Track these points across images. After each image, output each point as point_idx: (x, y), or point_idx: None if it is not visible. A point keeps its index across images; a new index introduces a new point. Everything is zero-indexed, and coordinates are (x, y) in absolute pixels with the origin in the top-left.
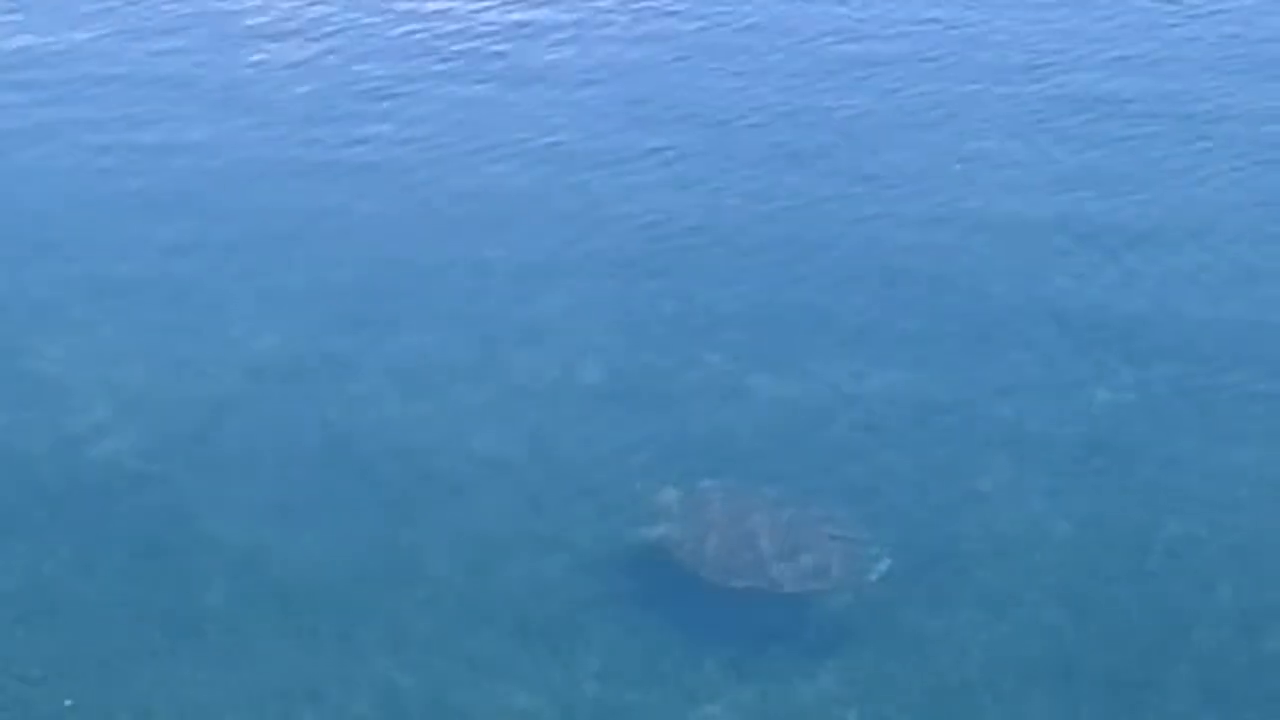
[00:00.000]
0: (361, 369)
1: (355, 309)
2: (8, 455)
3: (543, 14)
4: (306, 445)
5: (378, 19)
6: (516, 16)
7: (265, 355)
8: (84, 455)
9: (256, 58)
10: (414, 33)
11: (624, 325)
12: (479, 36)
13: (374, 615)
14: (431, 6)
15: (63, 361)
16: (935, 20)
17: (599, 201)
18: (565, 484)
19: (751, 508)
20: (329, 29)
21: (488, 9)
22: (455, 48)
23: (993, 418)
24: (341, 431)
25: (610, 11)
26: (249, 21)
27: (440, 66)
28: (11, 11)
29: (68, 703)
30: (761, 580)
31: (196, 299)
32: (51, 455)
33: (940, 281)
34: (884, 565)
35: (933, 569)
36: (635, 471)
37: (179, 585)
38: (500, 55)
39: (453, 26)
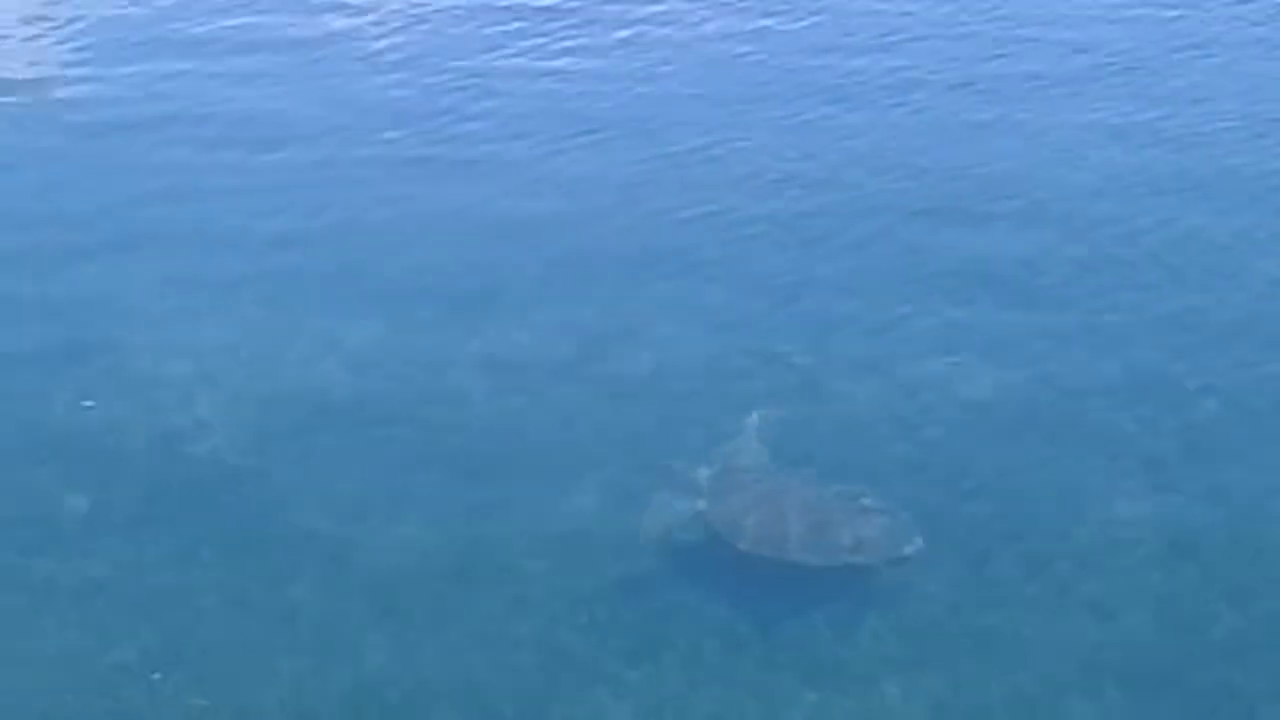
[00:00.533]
0: (458, 364)
1: (455, 304)
2: (108, 449)
3: None
4: (400, 440)
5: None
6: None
7: (363, 350)
8: (182, 449)
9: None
10: (510, 22)
11: (717, 323)
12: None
13: (463, 610)
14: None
15: (163, 356)
16: None
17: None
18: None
19: (788, 488)
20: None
21: None
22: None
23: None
24: (435, 426)
25: None
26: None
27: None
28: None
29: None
30: (802, 554)
31: (296, 294)
32: (150, 449)
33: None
34: (918, 542)
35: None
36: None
37: (272, 577)
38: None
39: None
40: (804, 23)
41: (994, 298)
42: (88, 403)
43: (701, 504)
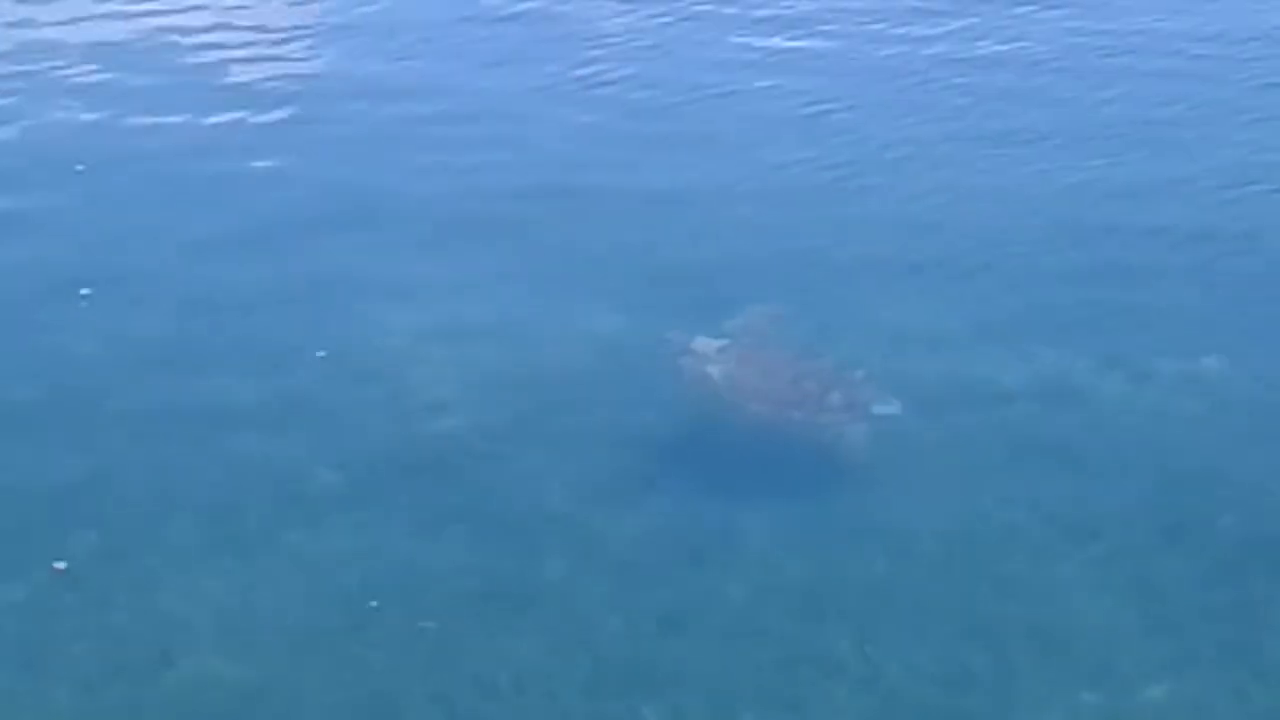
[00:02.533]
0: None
1: (700, 289)
2: (354, 429)
3: None
4: (643, 423)
5: None
6: None
7: (608, 335)
8: (427, 430)
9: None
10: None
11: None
12: None
13: (701, 597)
14: None
15: (408, 337)
16: None
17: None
18: None
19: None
20: None
21: None
22: None
23: None
24: (678, 410)
25: None
26: None
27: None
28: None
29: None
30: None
31: (536, 279)
32: (395, 430)
33: None
34: (895, 405)
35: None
36: None
37: (516, 560)
38: None
39: None
40: None
41: None
42: (321, 353)
43: None
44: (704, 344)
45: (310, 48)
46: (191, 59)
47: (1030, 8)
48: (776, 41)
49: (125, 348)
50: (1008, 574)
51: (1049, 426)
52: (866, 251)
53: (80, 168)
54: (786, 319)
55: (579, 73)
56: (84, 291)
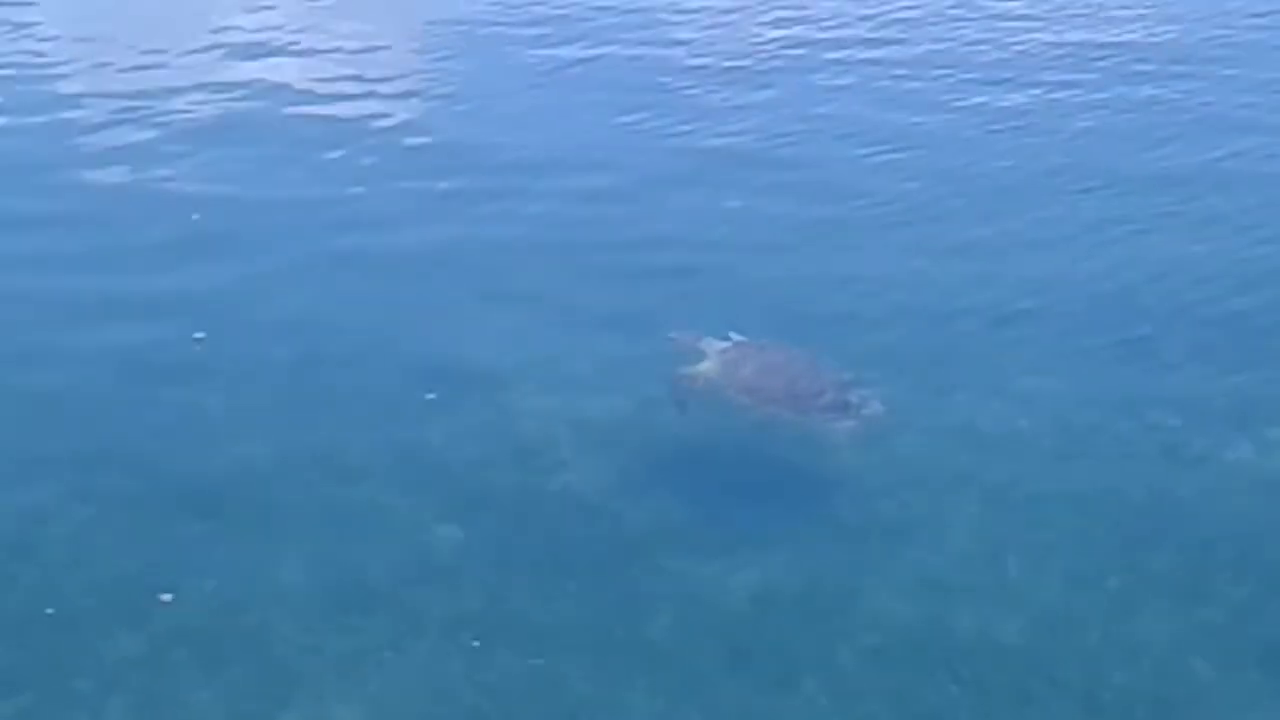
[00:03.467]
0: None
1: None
2: (477, 484)
3: None
4: (764, 480)
5: None
6: None
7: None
8: (546, 485)
9: None
10: None
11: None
12: None
13: (811, 656)
14: None
15: (532, 394)
16: None
17: None
18: None
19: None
20: None
21: None
22: None
23: None
24: (797, 469)
25: None
26: None
27: None
28: None
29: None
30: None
31: (648, 328)
32: (517, 484)
33: None
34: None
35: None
36: None
37: (629, 615)
38: None
39: None
40: None
41: None
42: (430, 395)
43: None
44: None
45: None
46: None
47: None
48: None
49: (241, 396)
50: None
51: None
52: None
53: (196, 216)
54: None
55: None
56: (198, 335)
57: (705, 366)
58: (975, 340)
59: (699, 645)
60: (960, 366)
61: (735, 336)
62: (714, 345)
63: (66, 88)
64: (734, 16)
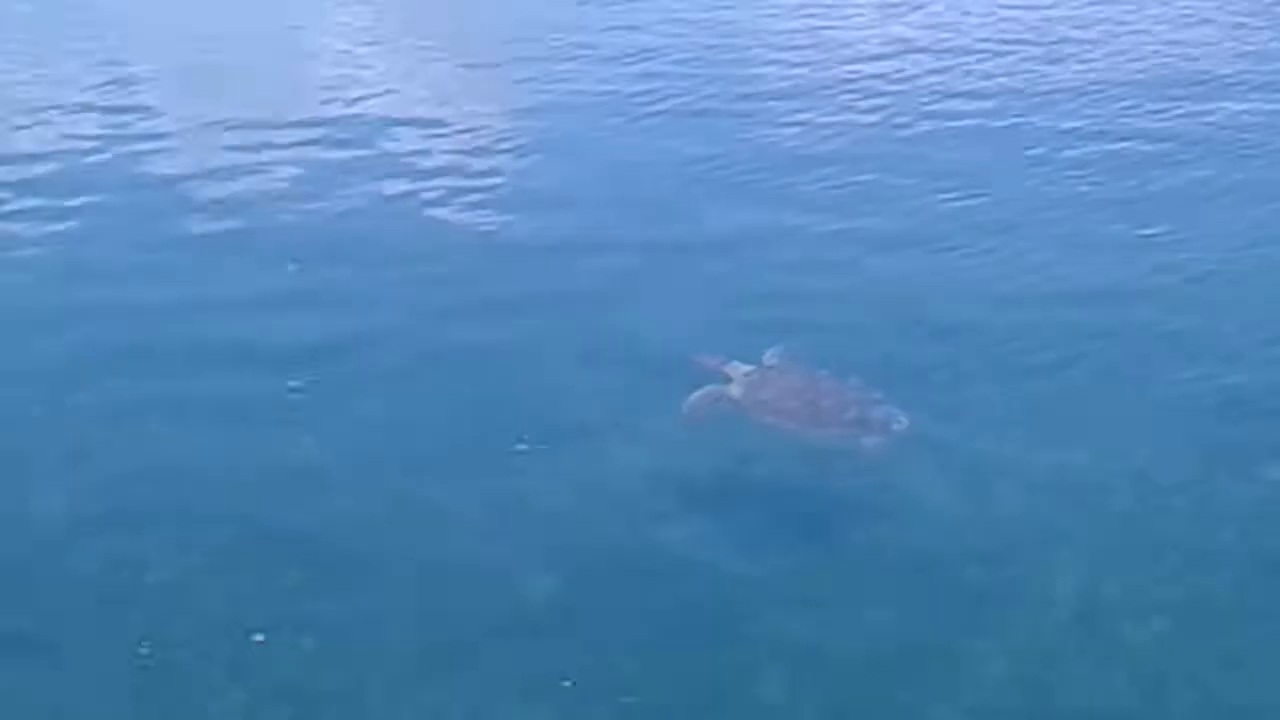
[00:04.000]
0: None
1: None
2: (571, 536)
3: None
4: (856, 526)
5: None
6: None
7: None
8: (654, 543)
9: None
10: None
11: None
12: None
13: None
14: None
15: (623, 445)
16: None
17: None
18: None
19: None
20: None
21: None
22: None
23: None
24: (884, 513)
25: None
26: None
27: None
28: None
29: None
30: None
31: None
32: (622, 543)
33: None
34: (904, 421)
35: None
36: None
37: (727, 670)
38: None
39: None
40: None
41: None
42: (521, 445)
43: None
44: None
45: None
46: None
47: None
48: None
49: (337, 447)
50: None
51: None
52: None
53: (293, 266)
54: None
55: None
56: (293, 384)
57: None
58: (1059, 386)
59: (798, 701)
60: (1047, 412)
61: (769, 357)
62: (745, 368)
63: (172, 136)
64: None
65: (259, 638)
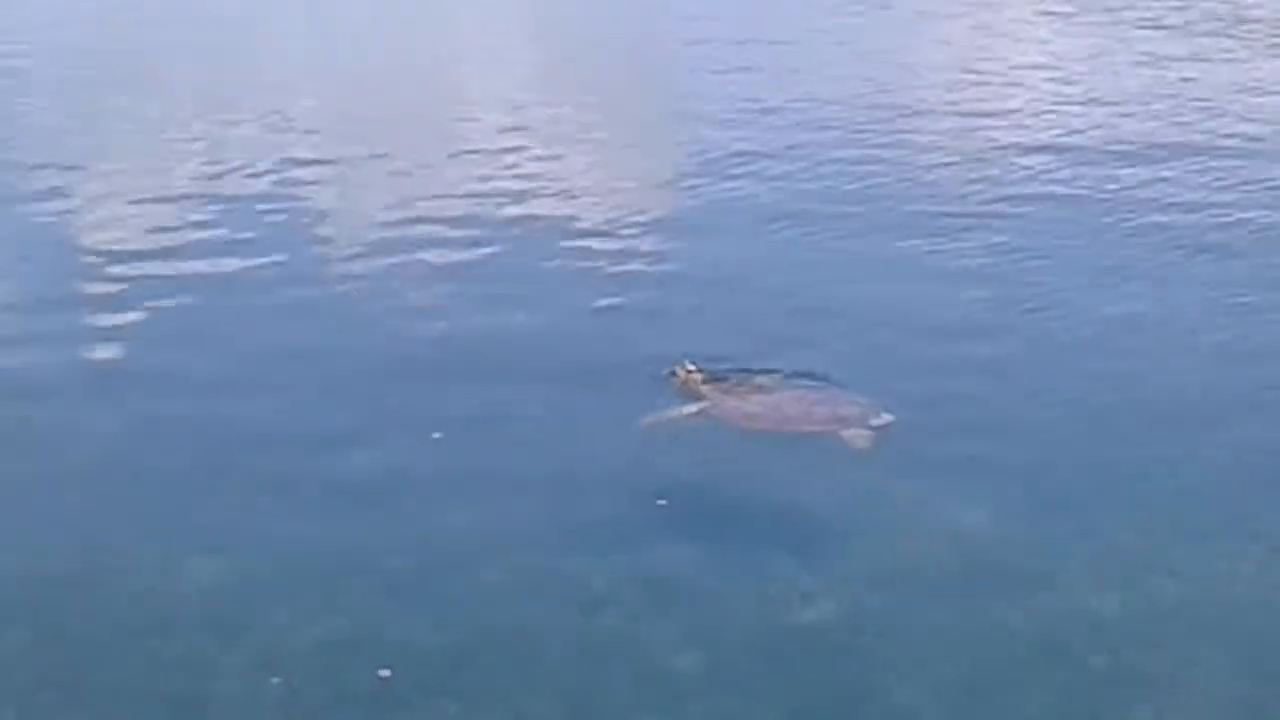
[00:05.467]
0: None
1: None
2: (720, 618)
3: None
4: (992, 623)
5: None
6: None
7: (971, 532)
8: (793, 620)
9: None
10: None
11: None
12: None
13: None
14: None
15: (767, 521)
16: None
17: None
18: None
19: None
20: None
21: None
22: None
23: None
24: (1031, 621)
25: None
26: None
27: None
28: None
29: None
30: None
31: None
32: (761, 619)
33: None
34: (887, 416)
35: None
36: None
37: None
38: None
39: None
40: None
41: None
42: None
43: None
44: None
45: None
46: None
47: None
48: None
49: (494, 521)
50: None
51: None
52: None
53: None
54: None
55: None
56: (436, 436)
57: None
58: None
59: None
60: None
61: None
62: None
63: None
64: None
65: (385, 673)
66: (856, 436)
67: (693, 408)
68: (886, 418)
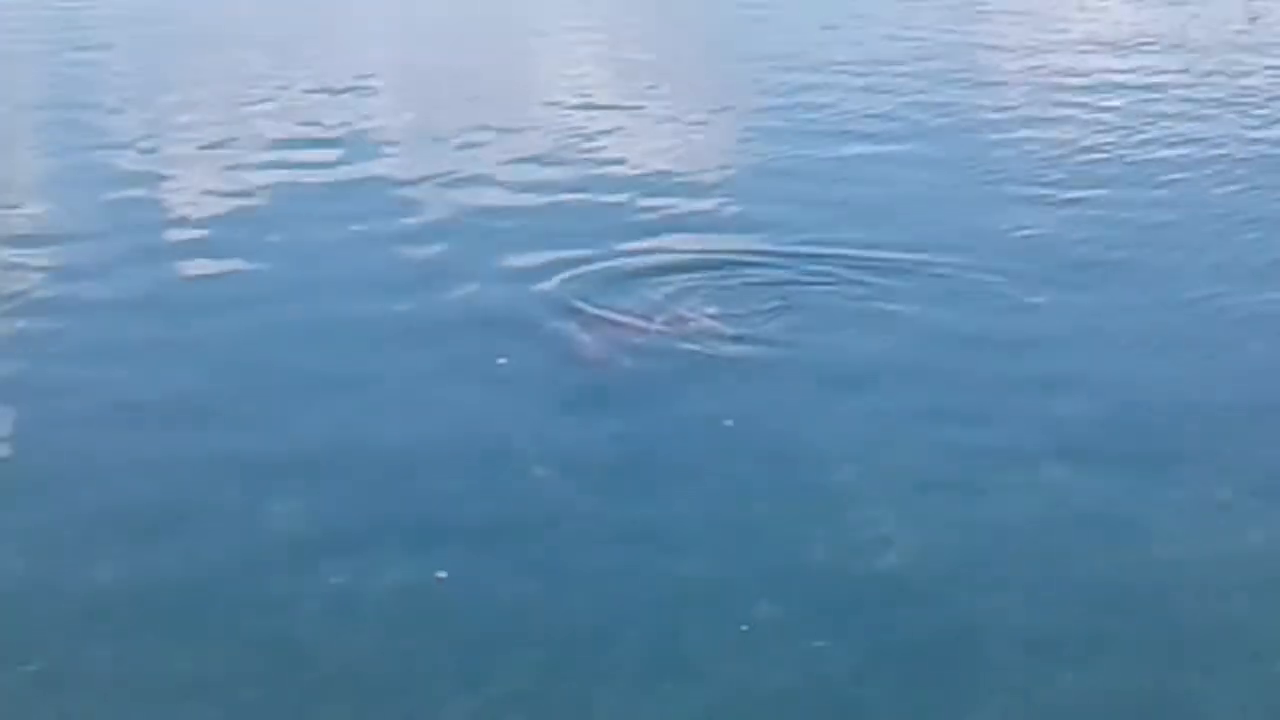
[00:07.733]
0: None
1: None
2: (795, 565)
3: None
4: (1078, 579)
5: None
6: None
7: (1054, 484)
8: (868, 566)
9: None
10: None
11: None
12: None
13: None
14: None
15: (853, 471)
16: None
17: None
18: None
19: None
20: None
21: None
22: None
23: None
24: (1115, 578)
25: None
26: None
27: None
28: None
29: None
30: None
31: (960, 393)
32: (836, 566)
33: None
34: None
35: None
36: None
37: (950, 703)
38: None
39: None
40: None
41: None
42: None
43: None
44: None
45: None
46: None
47: None
48: None
49: (579, 471)
50: None
51: None
52: None
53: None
54: None
55: None
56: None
57: None
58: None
59: None
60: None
61: None
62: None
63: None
64: None
65: (441, 574)
66: None
67: None
68: None
